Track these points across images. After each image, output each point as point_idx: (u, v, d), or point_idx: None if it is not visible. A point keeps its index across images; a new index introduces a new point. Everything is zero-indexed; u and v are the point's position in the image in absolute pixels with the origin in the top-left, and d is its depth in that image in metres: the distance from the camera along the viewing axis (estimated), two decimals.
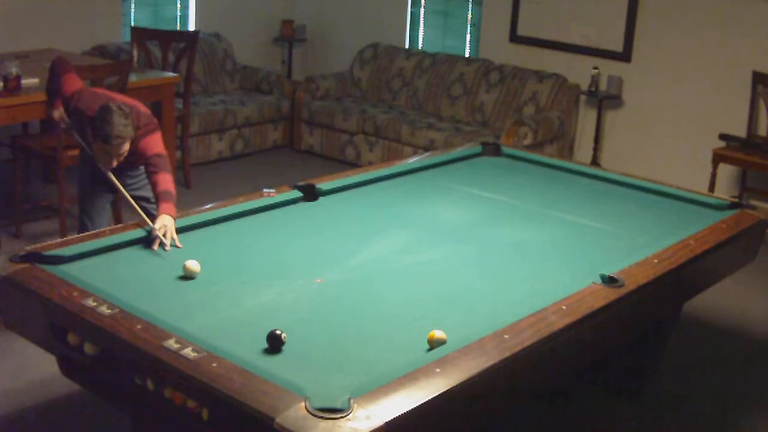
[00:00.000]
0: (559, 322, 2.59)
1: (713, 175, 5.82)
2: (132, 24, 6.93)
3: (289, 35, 8.04)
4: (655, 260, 3.09)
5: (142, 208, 3.46)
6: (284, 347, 2.39)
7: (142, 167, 3.77)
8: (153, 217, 3.23)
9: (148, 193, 3.74)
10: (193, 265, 2.87)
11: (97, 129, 3.43)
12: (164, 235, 3.09)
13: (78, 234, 3.35)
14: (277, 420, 2.00)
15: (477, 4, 7.24)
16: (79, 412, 3.46)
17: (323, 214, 3.52)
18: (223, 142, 6.82)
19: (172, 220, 3.17)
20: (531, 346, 2.46)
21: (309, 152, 7.26)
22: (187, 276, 2.85)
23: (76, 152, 4.94)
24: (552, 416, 3.59)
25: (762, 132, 5.90)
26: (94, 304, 2.51)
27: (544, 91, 6.57)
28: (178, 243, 3.10)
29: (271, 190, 3.59)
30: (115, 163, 3.52)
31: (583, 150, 6.75)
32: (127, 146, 3.48)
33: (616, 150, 6.60)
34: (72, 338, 2.53)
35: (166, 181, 3.46)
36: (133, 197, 3.58)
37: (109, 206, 4.07)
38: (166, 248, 3.05)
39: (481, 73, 6.88)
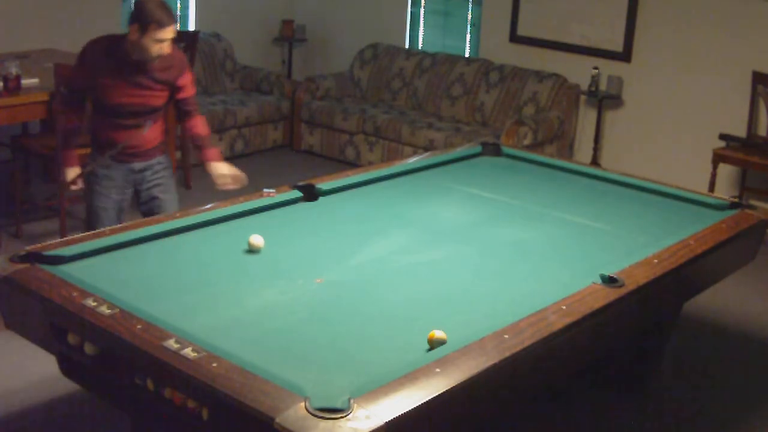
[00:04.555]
0: (559, 322, 2.59)
1: (713, 175, 5.83)
2: None
3: (289, 35, 8.04)
4: (655, 260, 3.09)
5: (152, 206, 3.69)
6: (284, 347, 2.38)
7: (163, 169, 3.87)
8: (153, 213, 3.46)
9: (160, 194, 3.84)
10: (257, 240, 3.06)
11: (147, 17, 3.50)
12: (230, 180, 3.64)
13: (83, 233, 3.35)
14: (277, 420, 2.00)
15: (477, 4, 7.24)
16: (79, 412, 3.46)
17: (323, 214, 3.52)
18: (223, 142, 6.82)
19: (227, 165, 3.68)
20: (531, 346, 2.46)
21: (309, 152, 7.26)
22: (253, 250, 3.05)
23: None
24: (552, 416, 3.59)
25: (762, 132, 5.90)
26: (94, 304, 2.50)
27: (544, 91, 6.57)
28: (238, 184, 3.62)
29: (271, 190, 3.59)
30: (156, 53, 3.57)
31: (583, 150, 6.75)
32: (168, 46, 3.59)
33: (616, 150, 6.60)
34: (72, 338, 2.53)
35: (204, 124, 3.85)
36: (146, 196, 3.75)
37: (118, 207, 3.94)
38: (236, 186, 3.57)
39: (481, 73, 6.88)
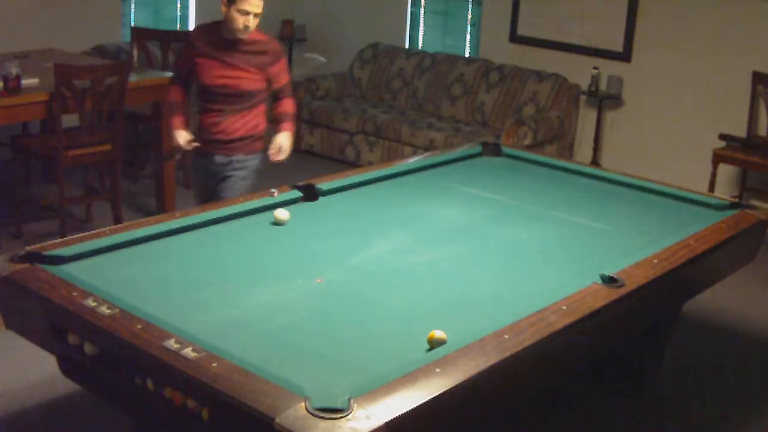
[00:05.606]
0: (559, 322, 2.59)
1: (713, 175, 5.83)
2: (132, 24, 6.94)
3: (289, 35, 8.04)
4: (655, 260, 3.09)
5: (216, 194, 4.00)
6: (284, 347, 2.38)
7: (242, 167, 4.05)
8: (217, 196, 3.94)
9: (226, 185, 4.04)
10: (281, 214, 3.29)
11: None
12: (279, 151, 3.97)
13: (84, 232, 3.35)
14: (277, 420, 2.00)
15: (477, 4, 7.24)
16: (79, 412, 3.46)
17: (323, 214, 3.52)
18: None
19: (286, 137, 4.01)
20: (531, 346, 2.46)
21: (309, 152, 7.26)
22: (278, 223, 3.28)
23: (76, 152, 4.95)
24: (552, 416, 3.59)
25: (762, 132, 5.90)
26: (94, 304, 2.50)
27: (544, 91, 6.57)
28: (280, 157, 4.00)
29: (276, 190, 3.59)
30: (249, 29, 3.86)
31: (583, 150, 6.75)
32: (256, 21, 3.86)
33: (616, 150, 6.60)
34: (72, 338, 2.53)
35: (291, 104, 4.12)
36: (217, 183, 4.04)
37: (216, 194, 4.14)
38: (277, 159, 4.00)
39: (481, 73, 6.88)
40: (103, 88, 4.88)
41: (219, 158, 4.02)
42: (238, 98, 3.95)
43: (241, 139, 4.01)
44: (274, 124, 4.12)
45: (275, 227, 3.34)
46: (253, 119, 4.03)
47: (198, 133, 4.02)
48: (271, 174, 6.57)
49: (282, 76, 4.07)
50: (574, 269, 3.05)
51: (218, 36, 3.95)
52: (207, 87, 3.95)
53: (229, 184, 4.03)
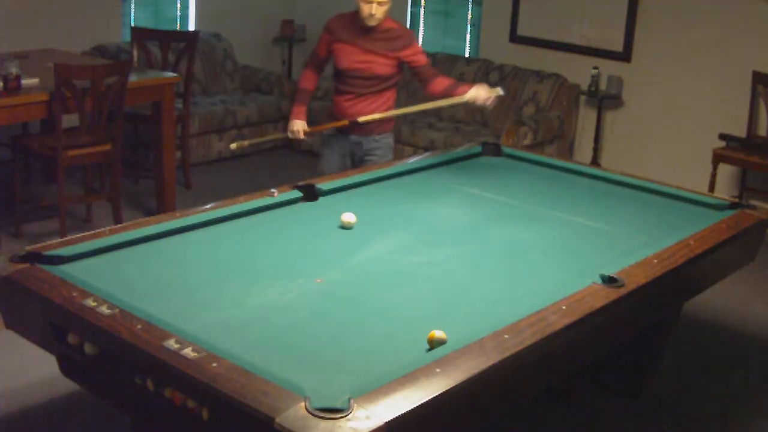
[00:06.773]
0: (559, 322, 2.59)
1: (713, 175, 5.83)
2: (132, 24, 6.94)
3: (289, 35, 8.04)
4: (655, 260, 3.09)
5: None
6: (284, 347, 2.38)
7: (378, 147, 4.41)
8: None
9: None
10: (349, 217, 3.30)
11: None
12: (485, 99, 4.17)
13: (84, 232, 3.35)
14: (277, 420, 2.00)
15: (477, 4, 7.24)
16: (79, 412, 3.46)
17: (323, 214, 3.52)
18: (223, 142, 6.82)
19: (476, 89, 4.20)
20: (531, 346, 2.46)
21: (309, 152, 7.25)
22: (345, 227, 3.29)
23: (76, 152, 4.95)
24: (552, 416, 3.59)
25: (762, 132, 5.91)
26: (94, 304, 2.50)
27: (544, 91, 6.57)
28: (491, 101, 4.21)
29: (276, 190, 3.59)
30: (375, 16, 4.17)
31: (583, 150, 6.75)
32: (382, 9, 4.16)
33: (616, 150, 6.60)
34: (72, 338, 2.53)
35: (446, 77, 4.41)
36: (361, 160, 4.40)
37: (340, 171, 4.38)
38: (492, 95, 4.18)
39: (481, 73, 6.88)
40: (103, 88, 4.88)
41: (354, 138, 4.40)
42: (371, 81, 4.31)
43: (373, 122, 4.35)
44: (451, 92, 4.30)
45: (274, 227, 3.34)
46: (385, 103, 4.38)
47: (330, 115, 4.44)
48: (271, 174, 6.57)
49: (420, 57, 4.35)
50: (574, 269, 3.05)
51: (356, 24, 4.31)
52: (343, 71, 4.34)
53: (372, 164, 4.31)
